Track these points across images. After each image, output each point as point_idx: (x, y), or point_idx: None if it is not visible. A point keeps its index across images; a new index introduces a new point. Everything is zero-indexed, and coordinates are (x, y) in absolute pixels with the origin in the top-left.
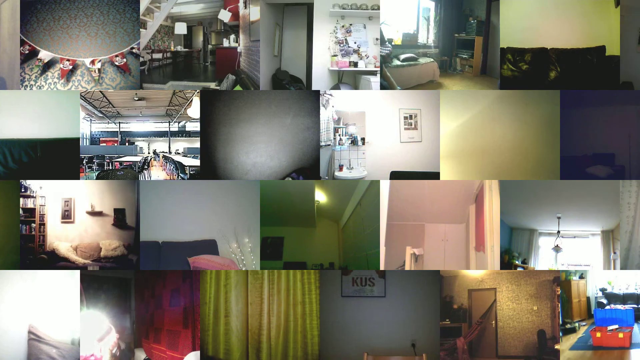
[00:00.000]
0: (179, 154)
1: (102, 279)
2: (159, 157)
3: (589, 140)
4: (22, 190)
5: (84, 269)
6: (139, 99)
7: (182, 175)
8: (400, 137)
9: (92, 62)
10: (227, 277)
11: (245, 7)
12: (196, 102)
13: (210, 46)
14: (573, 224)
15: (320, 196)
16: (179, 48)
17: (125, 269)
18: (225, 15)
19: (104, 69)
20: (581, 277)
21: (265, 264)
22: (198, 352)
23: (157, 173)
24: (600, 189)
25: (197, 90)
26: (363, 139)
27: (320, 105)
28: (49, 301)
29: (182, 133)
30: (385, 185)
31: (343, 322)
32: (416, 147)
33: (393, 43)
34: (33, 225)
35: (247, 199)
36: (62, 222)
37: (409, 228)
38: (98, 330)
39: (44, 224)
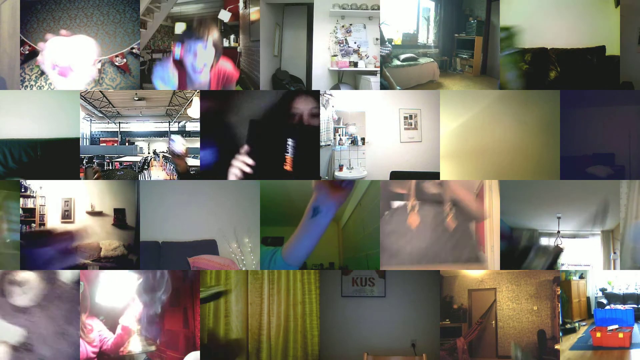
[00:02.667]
0: None
1: None
2: (159, 157)
3: (589, 140)
4: (22, 190)
5: (84, 268)
6: (139, 99)
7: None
8: (400, 137)
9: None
10: (227, 277)
11: (245, 7)
12: (196, 102)
13: None
14: (573, 224)
15: None
16: None
17: (125, 269)
18: (225, 15)
19: (104, 69)
20: (581, 277)
21: None
22: (198, 352)
23: (157, 173)
24: (600, 189)
25: (197, 90)
26: (363, 139)
27: (320, 105)
28: None
29: (182, 133)
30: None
31: (343, 322)
32: (416, 147)
33: (393, 43)
34: (33, 225)
35: (247, 199)
36: (62, 222)
37: None
38: None
39: (44, 224)
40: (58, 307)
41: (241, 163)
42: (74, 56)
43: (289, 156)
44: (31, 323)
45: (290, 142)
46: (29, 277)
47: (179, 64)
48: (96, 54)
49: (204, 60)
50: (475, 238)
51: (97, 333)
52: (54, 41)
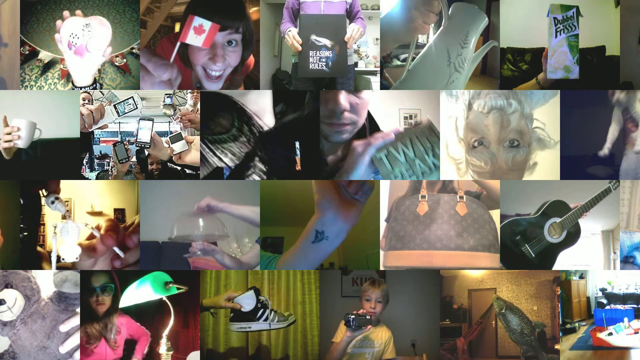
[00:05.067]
0: None
1: None
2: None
3: (589, 140)
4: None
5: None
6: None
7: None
8: None
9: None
10: (227, 277)
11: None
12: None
13: None
14: None
15: None
16: None
17: (126, 269)
18: None
19: (104, 69)
20: (581, 277)
21: None
22: (198, 352)
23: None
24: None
25: (197, 90)
26: None
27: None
28: None
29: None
30: (385, 185)
31: None
32: None
33: None
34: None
35: (247, 199)
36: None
37: None
38: None
39: (43, 224)
40: (38, 324)
41: (258, 171)
42: (89, 36)
43: (297, 157)
44: (15, 336)
45: (297, 144)
46: (10, 294)
47: (182, 57)
48: (110, 36)
49: (228, 62)
50: (493, 226)
51: (123, 336)
52: (71, 20)
